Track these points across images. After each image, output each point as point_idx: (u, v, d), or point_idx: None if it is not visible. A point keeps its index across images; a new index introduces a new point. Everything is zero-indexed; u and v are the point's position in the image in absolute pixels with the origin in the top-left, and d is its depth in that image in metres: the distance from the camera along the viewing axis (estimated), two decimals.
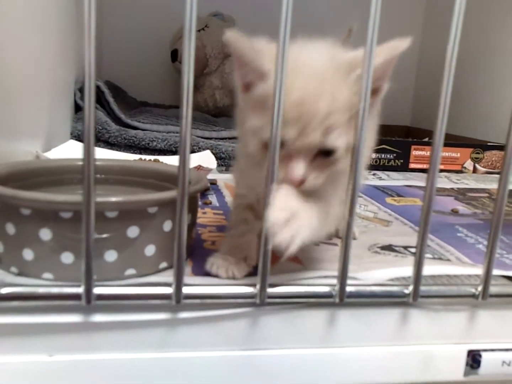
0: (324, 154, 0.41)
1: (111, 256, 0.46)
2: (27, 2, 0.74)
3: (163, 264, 0.48)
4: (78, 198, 0.42)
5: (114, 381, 0.42)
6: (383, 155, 1.25)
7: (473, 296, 0.46)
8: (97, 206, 0.39)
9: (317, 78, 0.40)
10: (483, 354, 0.48)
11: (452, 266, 0.54)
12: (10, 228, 0.45)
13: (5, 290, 0.39)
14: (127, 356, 0.42)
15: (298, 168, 0.41)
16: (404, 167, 1.26)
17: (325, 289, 0.44)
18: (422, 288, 0.45)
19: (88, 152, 0.36)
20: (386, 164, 1.25)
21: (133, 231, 0.46)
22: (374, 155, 1.24)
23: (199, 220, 0.67)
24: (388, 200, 0.88)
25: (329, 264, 0.53)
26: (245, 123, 0.43)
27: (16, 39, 0.69)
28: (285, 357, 0.44)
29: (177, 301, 0.40)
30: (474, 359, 0.48)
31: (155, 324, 0.42)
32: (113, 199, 0.45)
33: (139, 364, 0.42)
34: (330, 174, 0.42)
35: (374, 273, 0.51)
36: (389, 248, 0.61)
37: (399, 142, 1.27)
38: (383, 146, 1.25)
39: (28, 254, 0.45)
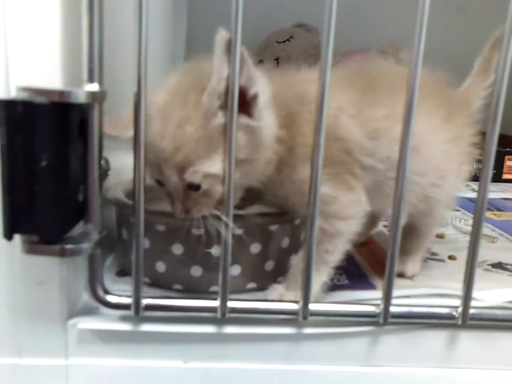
0: (193, 188, 0.42)
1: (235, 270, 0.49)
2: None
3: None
4: None
5: None
6: (474, 165, 1.21)
7: None
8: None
9: (161, 116, 0.40)
10: None
11: None
12: (145, 242, 0.49)
13: (148, 301, 0.43)
14: (255, 367, 0.44)
15: (176, 207, 0.43)
16: (497, 178, 1.21)
17: (446, 310, 0.44)
18: None
19: (229, 169, 0.39)
20: (478, 174, 1.21)
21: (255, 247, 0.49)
22: None
23: None
24: (488, 214, 0.86)
25: (441, 282, 0.53)
26: None
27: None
28: (403, 375, 0.45)
29: (304, 317, 0.42)
30: None
31: (281, 338, 0.44)
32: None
33: (265, 374, 0.44)
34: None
35: (491, 293, 0.50)
36: (500, 266, 0.60)
37: None
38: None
39: (160, 267, 0.49)
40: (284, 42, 1.51)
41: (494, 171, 1.21)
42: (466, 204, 0.91)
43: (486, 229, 0.76)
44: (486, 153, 0.42)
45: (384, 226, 0.76)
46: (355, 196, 0.45)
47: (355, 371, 0.45)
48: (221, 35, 0.37)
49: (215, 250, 0.46)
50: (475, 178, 1.22)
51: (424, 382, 0.45)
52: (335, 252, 0.46)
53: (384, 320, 0.43)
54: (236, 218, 0.46)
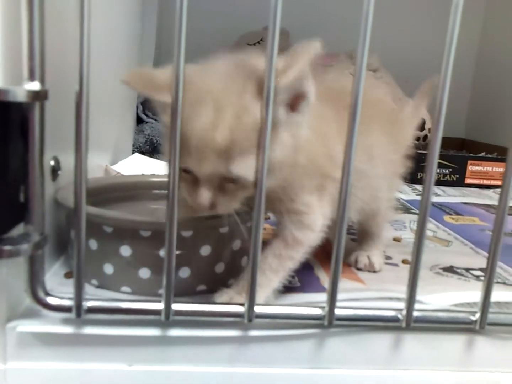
0: (231, 181, 0.40)
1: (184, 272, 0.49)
2: (108, 25, 0.78)
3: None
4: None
5: None
6: (438, 170, 1.23)
7: None
8: None
9: (215, 105, 0.38)
10: None
11: None
12: (93, 244, 0.49)
13: (91, 304, 0.42)
14: (200, 369, 0.44)
15: (204, 196, 0.40)
16: (459, 183, 1.24)
17: (392, 313, 0.45)
18: (490, 315, 0.45)
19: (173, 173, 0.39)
20: (441, 179, 1.23)
21: (206, 250, 0.49)
22: None
23: None
24: (446, 218, 0.88)
25: (391, 285, 0.54)
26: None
27: (100, 56, 0.74)
28: (349, 377, 0.45)
29: (249, 319, 0.42)
30: None
31: (226, 341, 0.44)
32: None
33: (210, 377, 0.44)
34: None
35: (438, 296, 0.51)
36: (450, 270, 0.61)
37: (454, 157, 1.26)
38: (438, 160, 1.23)
39: (108, 269, 0.49)
40: (254, 44, 1.52)
41: (457, 176, 1.24)
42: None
43: (442, 233, 0.77)
44: (429, 157, 0.42)
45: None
46: (325, 210, 0.47)
47: (301, 373, 0.45)
48: (316, 45, 0.38)
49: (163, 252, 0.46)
50: (438, 182, 1.25)
51: (366, 382, 0.46)
52: (295, 258, 0.47)
53: (329, 322, 0.43)
54: (188, 220, 0.46)
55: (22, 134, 0.38)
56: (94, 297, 0.43)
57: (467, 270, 0.61)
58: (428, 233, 0.77)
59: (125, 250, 0.47)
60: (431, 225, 0.82)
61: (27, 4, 0.36)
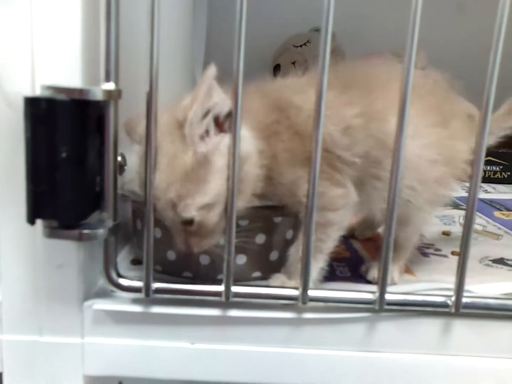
0: (188, 224, 0.44)
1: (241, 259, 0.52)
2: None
3: None
4: None
5: (243, 371, 0.47)
6: (488, 167, 1.22)
7: None
8: None
9: (158, 160, 0.43)
10: None
11: None
12: (157, 232, 0.53)
13: (158, 285, 0.46)
14: (258, 349, 0.47)
15: (179, 241, 0.45)
16: (510, 180, 1.22)
17: (441, 299, 0.46)
18: None
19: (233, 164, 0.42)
20: (491, 176, 1.22)
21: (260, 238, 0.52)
22: None
23: None
24: (496, 214, 0.87)
25: (441, 276, 0.55)
26: None
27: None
28: (398, 361, 0.47)
29: (303, 302, 0.45)
30: None
31: (282, 322, 0.47)
32: None
33: (266, 356, 0.47)
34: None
35: (488, 286, 0.52)
36: (501, 261, 0.61)
37: (505, 154, 1.23)
38: (489, 158, 1.22)
39: (171, 255, 0.53)
40: (301, 46, 1.54)
41: (508, 173, 1.22)
42: (479, 204, 0.93)
43: (492, 227, 0.78)
44: (476, 153, 0.43)
45: None
46: (342, 189, 0.49)
47: (352, 355, 0.47)
48: (211, 70, 0.41)
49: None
50: (489, 179, 1.23)
51: (419, 368, 0.47)
52: (328, 240, 0.49)
53: (380, 306, 0.45)
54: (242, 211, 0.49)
55: (98, 130, 0.42)
56: (159, 279, 0.47)
57: None
58: (478, 227, 0.77)
59: None
60: (481, 220, 0.82)
61: (105, 11, 0.40)
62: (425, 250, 0.66)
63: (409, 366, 0.47)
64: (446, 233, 0.73)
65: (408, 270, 0.58)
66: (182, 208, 0.43)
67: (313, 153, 0.42)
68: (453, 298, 0.45)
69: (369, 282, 0.54)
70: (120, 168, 0.57)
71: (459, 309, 0.45)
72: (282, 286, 0.47)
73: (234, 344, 0.47)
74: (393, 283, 0.53)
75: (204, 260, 0.51)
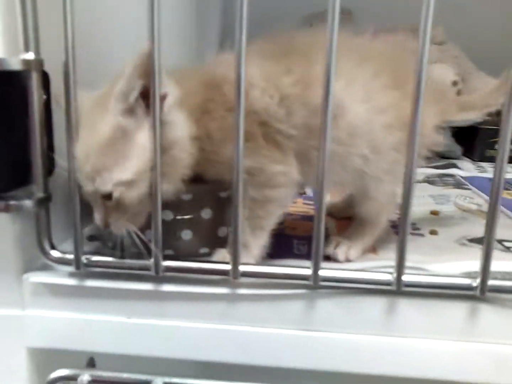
0: (107, 198, 0.42)
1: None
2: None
3: None
4: None
5: (179, 347, 0.46)
6: None
7: None
8: None
9: (81, 127, 0.42)
10: None
11: None
12: None
13: (90, 258, 0.45)
14: (192, 325, 0.46)
15: (96, 216, 0.44)
16: None
17: (384, 276, 0.43)
18: (494, 282, 0.42)
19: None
20: None
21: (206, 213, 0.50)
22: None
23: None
24: (503, 193, 0.81)
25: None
26: None
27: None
28: (339, 340, 0.45)
29: (235, 277, 0.43)
30: None
31: (217, 298, 0.45)
32: None
33: (202, 332, 0.46)
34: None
35: (449, 265, 0.48)
36: (479, 240, 0.57)
37: None
38: None
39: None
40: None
41: None
42: (481, 183, 0.87)
43: (485, 207, 0.72)
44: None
45: None
46: (282, 166, 0.46)
47: (290, 334, 0.45)
48: (144, 49, 0.40)
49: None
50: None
51: (361, 349, 0.45)
52: (267, 217, 0.47)
53: (315, 282, 0.43)
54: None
55: (22, 102, 0.42)
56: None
57: (500, 241, 0.57)
58: (473, 207, 0.72)
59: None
60: (480, 200, 0.76)
61: None
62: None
63: (351, 346, 0.45)
64: (434, 213, 0.69)
65: (373, 249, 0.55)
66: (99, 181, 0.41)
67: (236, 128, 0.40)
68: (394, 275, 0.42)
69: (327, 259, 0.51)
70: None
71: (400, 287, 0.42)
72: (218, 261, 0.46)
73: (169, 320, 0.46)
74: (347, 260, 0.50)
75: (186, 235, 0.50)
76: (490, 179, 0.90)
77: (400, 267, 0.42)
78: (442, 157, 1.14)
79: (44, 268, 0.48)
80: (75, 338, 0.47)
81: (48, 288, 0.47)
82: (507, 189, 0.85)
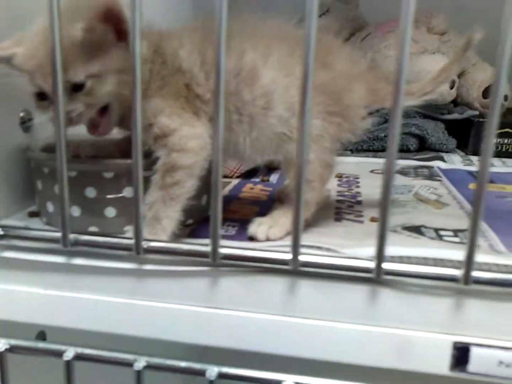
0: (79, 90, 0.45)
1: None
2: None
3: None
4: None
5: (90, 319, 0.48)
6: (506, 140, 1.10)
7: (454, 280, 0.41)
8: None
9: (42, 33, 0.45)
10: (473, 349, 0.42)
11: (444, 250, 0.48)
12: (39, 185, 0.54)
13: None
14: (104, 298, 0.47)
15: (70, 108, 0.45)
16: None
17: (283, 256, 0.43)
18: (390, 265, 0.41)
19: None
20: (510, 150, 1.10)
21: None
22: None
23: (240, 194, 0.70)
24: (472, 185, 0.79)
25: (325, 238, 0.51)
26: None
27: None
28: (240, 318, 0.45)
29: (137, 252, 0.44)
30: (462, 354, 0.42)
31: (124, 273, 0.46)
32: None
33: (113, 306, 0.47)
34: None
35: (363, 250, 0.48)
36: (413, 228, 0.56)
37: None
38: (507, 129, 1.11)
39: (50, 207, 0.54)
40: (320, 16, 1.48)
41: None
42: (456, 175, 0.85)
43: (448, 198, 0.70)
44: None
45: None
46: (195, 130, 0.48)
47: (195, 310, 0.46)
48: None
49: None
50: (501, 153, 1.12)
51: (260, 327, 0.45)
52: (177, 185, 0.47)
53: (213, 260, 0.43)
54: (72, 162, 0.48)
55: None
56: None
57: (437, 230, 0.56)
58: (431, 197, 0.71)
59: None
60: (443, 191, 0.74)
61: None
62: (342, 215, 0.62)
63: (250, 324, 0.45)
64: None
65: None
66: (73, 71, 0.44)
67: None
68: (291, 255, 0.42)
69: (251, 239, 0.51)
70: (24, 123, 0.60)
71: (297, 266, 0.42)
72: (120, 236, 0.47)
73: (82, 293, 0.48)
74: (268, 240, 0.50)
75: (110, 213, 0.52)
76: (468, 171, 0.88)
77: (295, 246, 0.42)
78: (432, 150, 1.11)
79: None
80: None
81: None
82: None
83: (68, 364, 0.47)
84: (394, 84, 0.37)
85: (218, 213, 0.42)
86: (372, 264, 0.42)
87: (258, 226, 0.51)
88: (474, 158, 1.05)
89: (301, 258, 0.42)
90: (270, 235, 0.51)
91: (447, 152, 1.11)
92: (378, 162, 0.96)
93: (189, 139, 0.47)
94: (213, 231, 0.43)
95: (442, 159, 1.01)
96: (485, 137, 0.38)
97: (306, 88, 0.39)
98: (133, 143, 0.42)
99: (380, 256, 0.41)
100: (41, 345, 0.48)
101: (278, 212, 0.54)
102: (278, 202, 0.65)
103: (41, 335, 0.58)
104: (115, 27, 0.45)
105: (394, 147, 0.39)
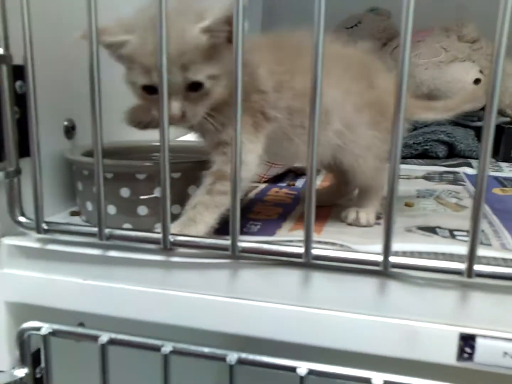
0: (194, 89, 0.47)
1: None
2: None
3: None
4: None
5: (125, 307, 0.52)
6: None
7: (458, 273, 0.43)
8: None
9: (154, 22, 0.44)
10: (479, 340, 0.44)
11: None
12: (79, 185, 0.60)
13: (48, 226, 0.53)
14: (136, 288, 0.52)
15: (175, 106, 0.47)
16: None
17: (297, 249, 0.46)
18: (400, 259, 0.44)
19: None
20: None
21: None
22: None
23: (265, 197, 0.74)
24: (495, 190, 0.80)
25: (342, 236, 0.55)
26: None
27: None
28: (257, 308, 0.48)
29: (165, 246, 0.49)
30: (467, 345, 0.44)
31: (153, 264, 0.51)
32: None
33: (145, 296, 0.52)
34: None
35: (375, 246, 0.50)
36: (427, 228, 0.58)
37: None
38: None
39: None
40: (351, 27, 1.51)
41: None
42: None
43: (468, 201, 0.72)
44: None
45: None
46: (255, 146, 0.52)
47: (218, 300, 0.50)
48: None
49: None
50: None
51: (277, 316, 0.48)
52: (225, 195, 0.49)
53: (233, 251, 0.47)
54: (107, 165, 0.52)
55: None
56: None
57: (452, 230, 0.58)
58: (451, 201, 0.72)
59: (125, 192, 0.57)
60: (465, 194, 0.76)
61: None
62: None
63: (268, 314, 0.48)
64: (408, 204, 0.70)
65: (320, 229, 0.58)
66: (195, 70, 0.46)
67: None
68: (304, 249, 0.46)
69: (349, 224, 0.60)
70: (68, 132, 0.66)
71: (309, 259, 0.45)
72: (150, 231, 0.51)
73: (116, 283, 0.52)
74: (369, 225, 0.59)
75: (142, 211, 0.57)
76: (494, 177, 0.89)
77: (308, 241, 0.45)
78: (461, 157, 1.12)
79: (21, 233, 0.56)
80: (40, 295, 0.55)
81: (20, 250, 0.55)
82: None
83: (103, 347, 0.52)
84: (396, 96, 0.40)
85: (237, 209, 0.46)
86: (379, 258, 0.44)
87: (358, 214, 0.59)
88: (504, 165, 1.05)
89: (313, 252, 0.45)
90: (370, 221, 0.60)
91: (476, 159, 1.11)
92: (404, 168, 0.98)
93: (249, 153, 0.51)
94: (232, 226, 0.47)
95: (470, 166, 1.01)
96: (481, 138, 0.40)
97: (315, 93, 0.43)
98: (161, 145, 0.46)
99: (386, 250, 0.44)
100: (79, 330, 0.53)
101: (361, 200, 0.62)
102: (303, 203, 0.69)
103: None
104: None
105: (398, 151, 0.42)
